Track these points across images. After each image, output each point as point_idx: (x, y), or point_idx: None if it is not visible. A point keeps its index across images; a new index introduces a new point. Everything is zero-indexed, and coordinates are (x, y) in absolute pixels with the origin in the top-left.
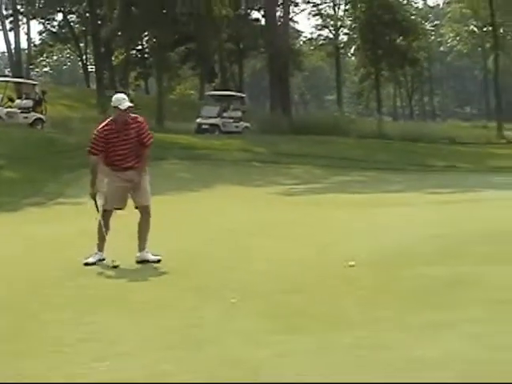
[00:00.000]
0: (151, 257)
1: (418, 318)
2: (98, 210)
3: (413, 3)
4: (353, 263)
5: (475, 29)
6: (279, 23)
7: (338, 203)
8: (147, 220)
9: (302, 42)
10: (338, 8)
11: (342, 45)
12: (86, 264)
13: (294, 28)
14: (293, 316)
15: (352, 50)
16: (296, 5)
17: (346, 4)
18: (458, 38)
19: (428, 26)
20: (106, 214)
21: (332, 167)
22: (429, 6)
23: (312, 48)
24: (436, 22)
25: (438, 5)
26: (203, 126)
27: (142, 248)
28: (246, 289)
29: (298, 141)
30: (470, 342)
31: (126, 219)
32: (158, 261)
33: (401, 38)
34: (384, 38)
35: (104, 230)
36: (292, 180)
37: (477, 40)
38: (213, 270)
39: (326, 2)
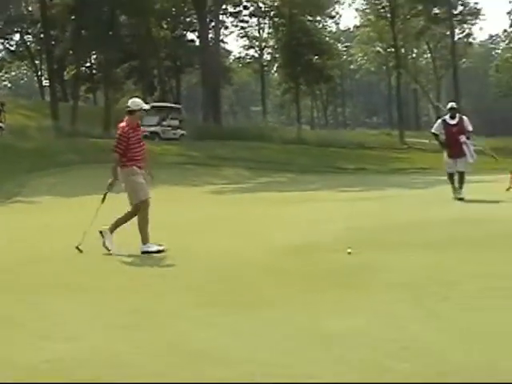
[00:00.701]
0: (151, 248)
1: (329, 297)
2: (102, 201)
3: (327, 27)
4: (350, 250)
5: (380, 50)
6: (211, 44)
7: (263, 200)
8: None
9: (231, 60)
10: (263, 31)
11: (266, 63)
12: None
13: (224, 48)
14: (227, 299)
15: (275, 68)
16: (226, 28)
17: (269, 27)
18: (365, 58)
19: (340, 46)
20: (146, 204)
21: (258, 169)
22: (341, 30)
23: (240, 65)
24: (347, 44)
25: (349, 28)
26: (145, 134)
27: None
28: (191, 279)
29: (228, 146)
30: (372, 318)
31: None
32: (158, 251)
33: (316, 57)
34: (302, 57)
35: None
36: (223, 180)
37: (382, 59)
38: (155, 264)
39: (251, 26)
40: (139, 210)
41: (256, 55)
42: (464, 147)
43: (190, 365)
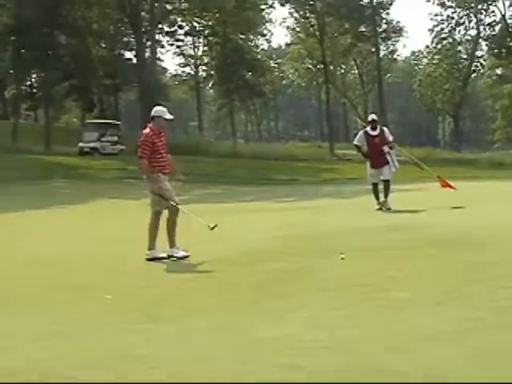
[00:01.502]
0: (156, 254)
1: (264, 305)
2: (170, 201)
3: (259, 45)
4: (343, 256)
5: (310, 66)
6: (148, 62)
7: (199, 211)
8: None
9: (168, 77)
10: (198, 49)
11: (201, 80)
12: (169, 257)
13: (160, 66)
14: (154, 306)
15: (210, 84)
16: (162, 46)
17: (204, 46)
18: (296, 74)
19: (272, 63)
20: (175, 211)
21: (195, 182)
22: (273, 47)
23: (176, 82)
24: (279, 61)
25: (281, 46)
26: (85, 149)
27: (150, 247)
28: (119, 287)
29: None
30: (304, 324)
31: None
32: (169, 257)
33: (250, 73)
34: (236, 74)
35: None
36: None
37: (312, 75)
38: (90, 271)
39: (187, 45)
40: (153, 215)
41: (192, 72)
42: (387, 157)
43: (114, 367)
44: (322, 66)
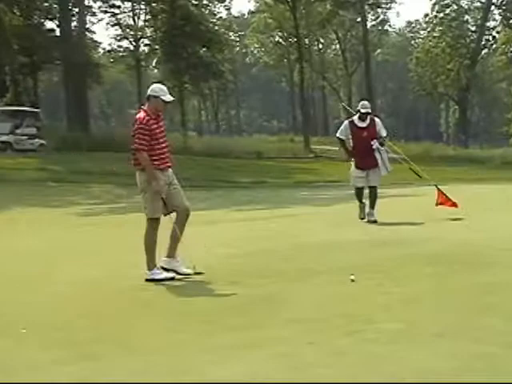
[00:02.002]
0: (158, 275)
1: (223, 339)
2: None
3: (216, 13)
4: (353, 277)
5: (280, 40)
6: (75, 34)
7: (138, 224)
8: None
9: (100, 54)
10: (138, 18)
11: (143, 56)
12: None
13: (91, 39)
14: (85, 343)
15: (154, 62)
16: (93, 14)
17: (146, 14)
18: (263, 49)
19: (232, 36)
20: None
21: (134, 186)
22: (233, 17)
23: (112, 60)
24: (241, 33)
25: (243, 14)
26: None
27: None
28: (38, 317)
29: (98, 158)
30: (274, 361)
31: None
32: (167, 279)
33: (204, 49)
34: (186, 49)
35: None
36: (92, 200)
37: (282, 51)
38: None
39: (125, 12)
40: (149, 225)
41: (131, 47)
42: (376, 155)
43: None
44: (295, 39)
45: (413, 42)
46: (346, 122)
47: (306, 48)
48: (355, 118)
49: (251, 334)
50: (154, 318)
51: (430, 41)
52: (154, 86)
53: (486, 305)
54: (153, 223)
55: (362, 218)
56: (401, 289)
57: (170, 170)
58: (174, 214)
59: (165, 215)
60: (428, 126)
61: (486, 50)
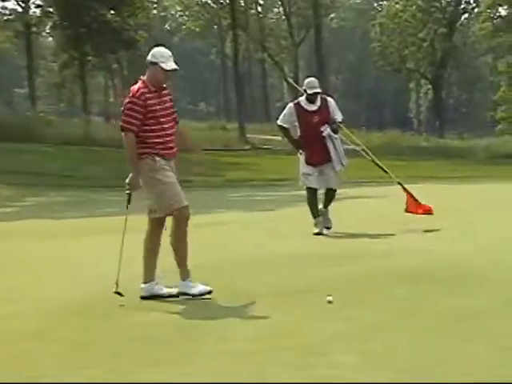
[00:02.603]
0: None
1: (139, 377)
2: (127, 205)
3: None
4: (331, 298)
5: (209, 0)
6: None
7: (31, 233)
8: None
9: None
10: None
11: (33, 21)
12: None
13: None
14: None
15: (47, 29)
16: None
17: None
18: (186, 13)
19: None
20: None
21: (24, 185)
22: None
23: None
24: None
25: None
26: None
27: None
28: None
29: None
30: None
31: None
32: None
33: (111, 12)
34: (89, 12)
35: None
36: None
37: (211, 15)
38: None
39: None
40: (152, 225)
41: (18, 9)
42: (328, 145)
43: None
44: (227, 0)
45: (375, 4)
46: (291, 104)
47: (242, 11)
48: (302, 99)
49: (174, 371)
50: (53, 350)
51: (397, 3)
52: (154, 49)
53: (468, 333)
54: (183, 217)
55: (326, 227)
56: (361, 314)
57: (174, 158)
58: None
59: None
60: (395, 110)
61: (466, 16)
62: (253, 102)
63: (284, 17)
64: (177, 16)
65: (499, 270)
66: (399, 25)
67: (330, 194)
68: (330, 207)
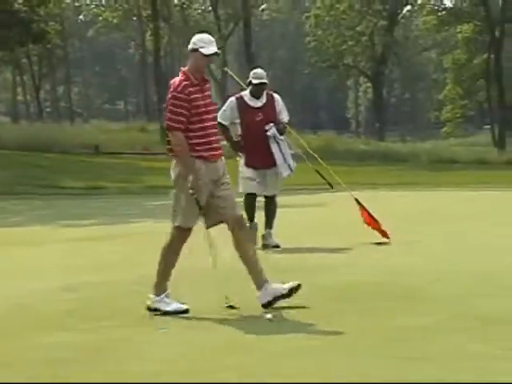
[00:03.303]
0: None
1: None
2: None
3: None
4: (270, 316)
5: None
6: None
7: None
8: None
9: None
10: None
11: None
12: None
13: None
14: None
15: None
16: None
17: None
18: (103, 3)
19: None
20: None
21: None
22: None
23: None
24: None
25: None
26: None
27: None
28: None
29: None
30: None
31: None
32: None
33: (19, 1)
34: None
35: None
36: None
37: (130, 5)
38: None
39: None
40: (171, 238)
41: None
42: (273, 148)
43: None
44: None
45: None
46: (233, 98)
47: (164, 1)
48: (246, 93)
49: None
50: None
51: None
52: (194, 36)
53: (414, 352)
54: (181, 234)
55: (273, 246)
56: (295, 334)
57: (222, 160)
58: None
59: (207, 227)
60: (331, 110)
61: (408, 8)
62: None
63: (210, 8)
64: (92, 6)
65: (445, 284)
66: (335, 17)
67: (271, 204)
68: (273, 230)
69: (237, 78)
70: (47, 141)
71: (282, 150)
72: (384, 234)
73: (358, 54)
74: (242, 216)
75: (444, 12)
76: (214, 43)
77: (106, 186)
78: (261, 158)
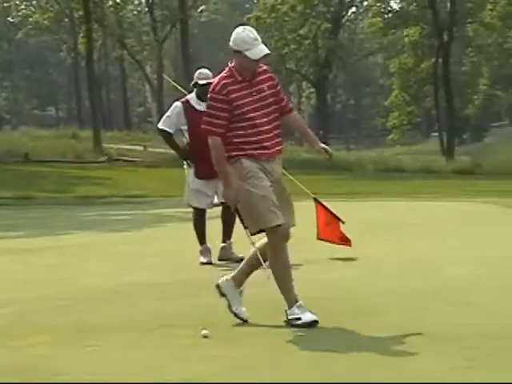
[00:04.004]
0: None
1: None
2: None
3: None
4: (206, 332)
5: None
6: None
7: None
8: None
9: None
10: None
11: None
12: None
13: None
14: None
15: None
16: None
17: None
18: (32, 3)
19: None
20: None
21: None
22: None
23: None
24: None
25: None
26: None
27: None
28: None
29: None
30: None
31: None
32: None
33: None
34: None
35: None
36: None
37: (62, 6)
38: None
39: None
40: (269, 243)
41: None
42: None
43: None
44: None
45: None
46: (178, 103)
47: (97, 2)
48: (191, 97)
49: None
50: None
51: None
52: (234, 34)
53: (350, 372)
54: (276, 238)
55: (207, 263)
56: (228, 351)
57: (278, 160)
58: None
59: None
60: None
61: (353, 10)
62: (110, 106)
63: (146, 9)
64: (21, 7)
65: (389, 298)
66: (277, 19)
67: (230, 219)
68: (231, 240)
69: (176, 84)
70: None
71: None
72: (347, 242)
73: (300, 58)
74: (291, 226)
75: (390, 14)
76: (259, 40)
77: (34, 196)
78: (211, 166)
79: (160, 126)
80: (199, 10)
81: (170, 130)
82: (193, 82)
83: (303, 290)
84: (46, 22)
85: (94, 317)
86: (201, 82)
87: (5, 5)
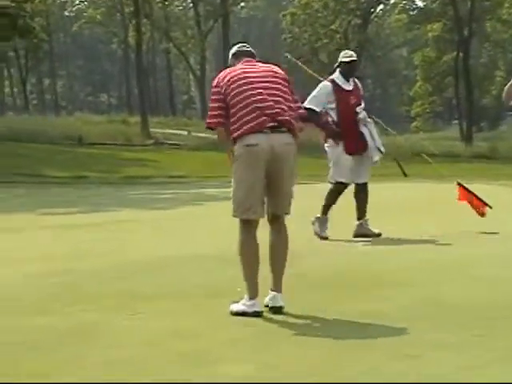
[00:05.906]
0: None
1: None
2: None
3: None
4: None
5: None
6: None
7: None
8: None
9: None
10: None
11: None
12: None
13: None
14: None
15: None
16: None
17: None
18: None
19: None
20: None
21: None
22: None
23: None
24: None
25: None
26: None
27: (278, 288)
28: None
29: None
30: None
31: None
32: None
33: None
34: None
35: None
36: None
37: (113, 2)
38: None
39: None
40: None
41: None
42: (364, 131)
43: None
44: None
45: None
46: (327, 83)
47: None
48: (336, 76)
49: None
50: None
51: None
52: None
53: (366, 339)
54: (244, 231)
55: (325, 238)
56: (261, 320)
57: (284, 133)
58: None
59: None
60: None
61: (381, 7)
62: (157, 94)
63: (191, 5)
64: (76, 2)
65: (410, 272)
66: (310, 15)
67: (364, 196)
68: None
69: (306, 68)
70: (31, 131)
71: (372, 133)
72: (483, 206)
73: (332, 51)
74: (284, 214)
75: (415, 11)
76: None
77: (87, 176)
78: (355, 142)
79: (307, 105)
80: (240, 7)
81: (317, 109)
82: (337, 62)
83: (329, 263)
84: (98, 16)
85: (141, 287)
86: (346, 59)
87: (61, 0)
